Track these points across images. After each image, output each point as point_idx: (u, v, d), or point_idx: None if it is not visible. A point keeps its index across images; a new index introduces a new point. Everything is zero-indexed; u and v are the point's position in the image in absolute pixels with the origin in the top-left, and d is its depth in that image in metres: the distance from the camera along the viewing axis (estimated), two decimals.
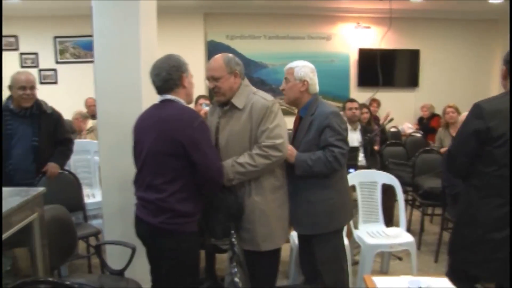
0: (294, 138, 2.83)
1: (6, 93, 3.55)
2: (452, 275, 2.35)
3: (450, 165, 2.52)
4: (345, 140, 2.71)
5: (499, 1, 7.25)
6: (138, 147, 2.43)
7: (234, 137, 2.54)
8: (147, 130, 2.37)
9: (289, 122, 2.68)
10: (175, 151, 2.27)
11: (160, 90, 2.40)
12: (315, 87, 2.83)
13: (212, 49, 8.14)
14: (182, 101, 2.41)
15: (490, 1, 7.31)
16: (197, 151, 2.28)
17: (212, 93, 2.68)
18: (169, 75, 2.35)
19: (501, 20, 8.44)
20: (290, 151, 2.67)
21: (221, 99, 2.61)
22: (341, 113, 5.02)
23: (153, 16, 3.39)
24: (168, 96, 2.38)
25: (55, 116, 3.57)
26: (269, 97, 2.63)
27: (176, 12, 7.68)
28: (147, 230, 2.36)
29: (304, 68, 2.79)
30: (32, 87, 3.37)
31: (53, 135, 3.52)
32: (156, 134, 2.31)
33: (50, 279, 2.21)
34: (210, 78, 2.58)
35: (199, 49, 8.03)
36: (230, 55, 2.64)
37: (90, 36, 3.18)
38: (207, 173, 2.33)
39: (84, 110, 6.77)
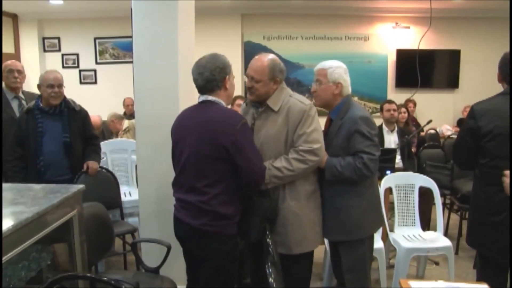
0: (325, 140, 2.69)
1: None
2: (479, 263, 2.74)
3: (455, 159, 2.99)
4: (375, 145, 2.61)
5: None
6: (178, 149, 2.41)
7: (269, 140, 2.52)
8: (187, 132, 2.35)
9: (321, 122, 2.63)
10: (218, 154, 2.25)
11: (202, 89, 2.38)
12: (348, 88, 2.73)
13: (249, 49, 8.17)
14: (223, 102, 2.39)
15: None
16: (240, 154, 2.26)
17: (246, 89, 2.67)
18: (212, 75, 2.32)
19: None
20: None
21: (254, 99, 2.61)
22: (378, 114, 4.97)
23: (191, 17, 3.42)
24: (210, 97, 2.36)
25: (83, 113, 3.64)
26: (306, 100, 2.59)
27: (213, 13, 7.75)
28: (188, 232, 2.36)
29: (338, 70, 2.68)
30: (60, 85, 3.45)
31: (83, 132, 3.60)
32: (198, 136, 2.29)
33: (88, 274, 2.27)
34: (250, 77, 2.56)
35: (236, 50, 8.07)
36: (277, 60, 2.58)
37: (129, 37, 3.24)
38: (250, 176, 2.33)
39: (121, 110, 6.92)
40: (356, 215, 2.64)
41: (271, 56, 2.59)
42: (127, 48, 7.96)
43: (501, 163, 2.45)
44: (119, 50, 8.33)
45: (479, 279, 2.65)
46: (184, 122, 2.42)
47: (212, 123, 2.28)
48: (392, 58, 8.32)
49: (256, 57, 2.60)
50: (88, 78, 8.36)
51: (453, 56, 8.26)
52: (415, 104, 7.73)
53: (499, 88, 2.67)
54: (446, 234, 4.06)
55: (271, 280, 1.70)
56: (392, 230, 3.72)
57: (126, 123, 5.95)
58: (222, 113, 2.32)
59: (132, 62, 3.37)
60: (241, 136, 2.28)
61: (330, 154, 2.63)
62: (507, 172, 2.31)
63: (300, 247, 2.56)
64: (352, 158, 2.57)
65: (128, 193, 4.60)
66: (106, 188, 3.83)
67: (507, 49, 8.23)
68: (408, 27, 8.21)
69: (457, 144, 2.78)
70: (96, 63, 8.38)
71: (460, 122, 7.74)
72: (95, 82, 8.38)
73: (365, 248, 2.73)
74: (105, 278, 1.93)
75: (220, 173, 2.28)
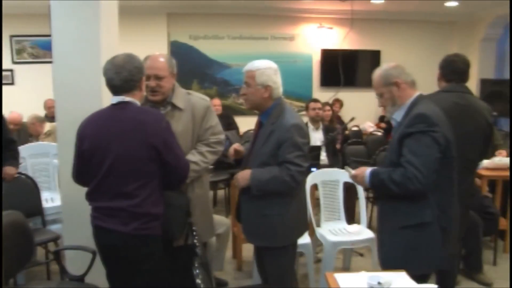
0: (254, 144, 2.65)
1: None
2: None
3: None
4: (305, 156, 2.52)
5: (455, 4, 7.49)
6: (97, 157, 2.25)
7: (178, 137, 2.52)
8: (111, 137, 2.23)
9: (250, 123, 2.69)
10: (149, 155, 2.21)
11: (118, 90, 2.29)
12: (279, 90, 2.58)
13: (175, 49, 8.07)
14: (138, 103, 2.35)
15: (446, 4, 7.54)
16: (169, 152, 2.27)
17: (147, 92, 2.67)
18: (131, 76, 2.26)
19: (458, 22, 8.72)
20: (243, 174, 2.55)
21: (159, 99, 2.68)
22: (304, 113, 5.09)
23: (115, 16, 3.33)
24: (127, 98, 2.29)
25: None
26: (205, 96, 2.88)
27: (138, 12, 7.58)
28: (118, 240, 2.24)
29: (266, 71, 2.52)
30: None
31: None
32: (126, 139, 2.21)
33: None
34: (153, 76, 2.60)
35: (162, 50, 7.90)
36: (168, 55, 2.77)
37: (49, 36, 3.09)
38: (178, 172, 2.35)
39: (42, 112, 6.58)
40: (281, 223, 2.56)
41: (162, 53, 2.76)
42: (48, 47, 7.57)
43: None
44: (38, 49, 7.92)
45: None
46: (102, 128, 2.28)
47: (140, 124, 2.23)
48: (316, 58, 8.56)
49: (151, 57, 2.67)
50: (5, 79, 7.87)
51: (374, 56, 8.63)
52: (341, 105, 8.01)
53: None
54: (369, 226, 4.23)
55: (198, 281, 1.69)
56: (318, 225, 3.83)
57: (48, 126, 5.64)
58: (147, 114, 2.30)
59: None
60: (168, 134, 2.30)
61: (258, 162, 2.55)
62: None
63: (210, 234, 2.74)
64: (279, 170, 2.46)
65: (50, 199, 4.38)
66: (25, 194, 3.66)
67: (425, 50, 8.78)
68: (332, 28, 8.47)
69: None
70: (13, 62, 7.91)
71: (381, 119, 8.10)
72: (13, 83, 7.91)
73: (289, 254, 2.69)
74: None
75: (150, 173, 2.25)
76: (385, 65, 2.47)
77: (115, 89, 2.29)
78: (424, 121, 2.20)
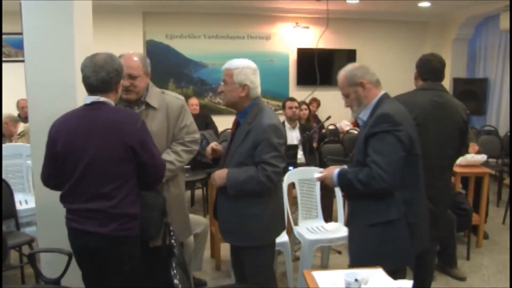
0: (231, 143, 2.65)
1: None
2: None
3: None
4: (281, 156, 2.52)
5: (428, 5, 7.62)
6: (71, 158, 2.21)
7: (153, 137, 2.52)
8: (85, 138, 2.19)
9: (228, 122, 2.69)
10: (126, 155, 2.19)
11: (93, 89, 2.24)
12: (257, 90, 2.58)
13: (151, 48, 8.01)
14: (113, 104, 2.31)
15: (419, 5, 7.65)
16: (146, 152, 2.25)
17: (122, 91, 2.61)
18: (109, 77, 2.22)
19: (431, 23, 8.87)
20: (220, 173, 2.56)
21: (133, 98, 2.68)
22: (281, 111, 5.10)
23: (89, 15, 3.28)
24: (102, 98, 2.25)
25: None
26: (180, 96, 2.88)
27: (114, 11, 7.50)
28: (96, 241, 2.20)
29: (245, 70, 2.52)
30: None
31: None
32: (102, 140, 2.18)
33: None
34: (127, 76, 2.58)
35: (138, 49, 7.82)
36: (144, 55, 2.77)
37: (21, 34, 3.03)
38: (155, 172, 2.34)
39: (15, 112, 6.44)
40: (258, 223, 2.56)
41: (136, 52, 2.74)
42: (20, 46, 7.42)
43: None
44: (10, 48, 7.76)
45: None
46: (76, 129, 2.22)
47: (116, 124, 2.20)
48: (293, 57, 8.60)
49: (125, 56, 2.65)
50: None
51: (350, 55, 8.70)
52: (318, 104, 8.06)
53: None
54: (347, 224, 4.27)
55: (176, 281, 1.69)
56: (296, 223, 3.85)
57: (21, 126, 5.52)
58: (123, 114, 2.28)
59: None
60: (145, 134, 2.28)
61: (235, 161, 2.55)
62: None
63: (187, 233, 2.77)
64: (255, 170, 2.47)
65: (24, 201, 4.29)
66: None
67: (399, 50, 8.91)
68: (308, 27, 8.52)
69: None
70: None
71: None
72: None
73: (268, 253, 2.70)
74: None
75: (127, 174, 2.23)
76: (350, 65, 2.50)
77: (91, 88, 2.25)
78: (387, 120, 2.23)
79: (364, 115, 2.42)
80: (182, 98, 2.87)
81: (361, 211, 2.42)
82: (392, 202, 2.27)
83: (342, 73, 2.48)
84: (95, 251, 2.22)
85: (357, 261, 2.40)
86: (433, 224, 2.72)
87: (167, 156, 2.66)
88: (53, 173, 2.31)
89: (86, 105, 2.26)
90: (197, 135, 2.83)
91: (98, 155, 2.17)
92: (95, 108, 2.23)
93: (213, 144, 2.79)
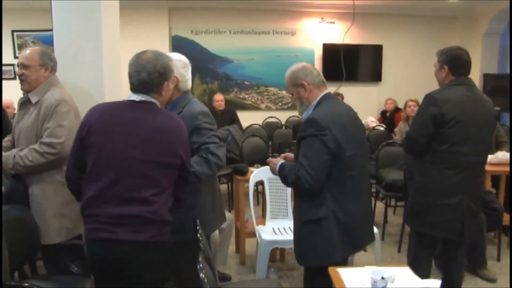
0: None
1: None
2: (416, 241, 2.98)
3: (409, 147, 3.00)
4: (217, 135, 2.59)
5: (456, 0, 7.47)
6: (105, 151, 1.99)
7: (24, 131, 2.59)
8: (129, 136, 2.00)
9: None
10: (173, 162, 2.06)
11: (135, 89, 2.09)
12: (187, 83, 2.68)
13: (177, 44, 8.08)
14: (159, 104, 2.14)
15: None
16: (189, 159, 2.17)
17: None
18: (149, 79, 2.05)
19: (459, 17, 8.70)
20: None
21: (25, 88, 2.72)
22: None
23: (116, 11, 3.33)
24: (150, 99, 2.09)
25: None
26: (59, 95, 2.68)
27: (140, 7, 7.58)
28: (128, 251, 1.96)
29: (175, 63, 2.38)
30: None
31: None
32: (150, 143, 2.01)
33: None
34: (20, 64, 2.68)
35: (164, 45, 7.92)
36: (48, 51, 2.79)
37: (51, 30, 3.10)
38: (191, 179, 2.27)
39: None
40: (198, 215, 2.48)
41: (43, 48, 2.81)
42: (50, 42, 7.55)
43: (460, 148, 2.73)
44: (41, 44, 7.88)
45: (415, 259, 2.98)
46: (120, 123, 2.03)
47: (169, 130, 2.06)
48: (318, 52, 8.54)
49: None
50: (7, 74, 7.88)
51: (376, 51, 8.62)
52: (342, 98, 7.98)
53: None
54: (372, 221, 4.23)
55: (202, 275, 1.70)
56: (263, 223, 3.79)
57: None
58: (173, 119, 2.13)
59: None
60: (187, 141, 2.19)
61: None
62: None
63: (45, 237, 2.67)
64: (197, 155, 2.49)
65: None
66: None
67: (426, 45, 8.70)
68: (333, 22, 8.46)
69: (415, 133, 2.87)
70: (15, 57, 7.90)
71: (383, 114, 8.10)
72: (15, 78, 7.91)
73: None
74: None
75: (169, 181, 2.08)
76: (294, 66, 2.53)
77: (133, 87, 2.11)
78: (313, 125, 2.30)
79: (306, 115, 2.48)
80: (59, 97, 2.65)
81: (297, 208, 2.52)
82: (323, 201, 2.34)
83: (287, 73, 2.53)
84: (126, 261, 1.97)
85: (296, 255, 2.52)
86: (473, 223, 2.91)
87: (24, 151, 2.60)
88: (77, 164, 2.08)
89: (133, 101, 2.08)
90: (56, 140, 2.59)
91: (143, 158, 1.99)
92: (142, 108, 2.07)
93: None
